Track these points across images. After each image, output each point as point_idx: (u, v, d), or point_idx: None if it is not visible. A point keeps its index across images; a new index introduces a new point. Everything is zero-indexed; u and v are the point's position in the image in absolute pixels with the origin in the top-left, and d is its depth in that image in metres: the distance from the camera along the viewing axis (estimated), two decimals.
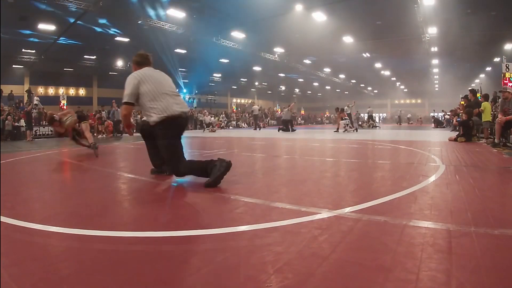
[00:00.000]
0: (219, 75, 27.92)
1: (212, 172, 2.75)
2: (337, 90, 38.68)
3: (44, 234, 1.73)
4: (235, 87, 32.78)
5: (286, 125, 15.34)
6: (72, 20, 14.94)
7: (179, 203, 2.43)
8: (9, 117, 13.48)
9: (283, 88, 37.33)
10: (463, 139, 7.52)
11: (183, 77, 25.67)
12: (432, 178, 3.02)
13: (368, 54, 23.17)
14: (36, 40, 16.71)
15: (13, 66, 19.25)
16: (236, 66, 24.23)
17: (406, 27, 16.98)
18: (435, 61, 24.69)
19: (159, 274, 1.26)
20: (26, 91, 19.05)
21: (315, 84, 35.60)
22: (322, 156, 5.54)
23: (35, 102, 16.69)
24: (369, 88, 39.90)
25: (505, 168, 3.78)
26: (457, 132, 8.78)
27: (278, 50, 22.72)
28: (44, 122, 14.49)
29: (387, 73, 30.04)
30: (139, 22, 15.51)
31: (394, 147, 6.65)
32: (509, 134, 6.68)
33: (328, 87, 37.64)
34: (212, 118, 21.12)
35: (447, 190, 2.55)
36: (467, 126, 7.77)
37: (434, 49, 20.96)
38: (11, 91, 18.60)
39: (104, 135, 14.64)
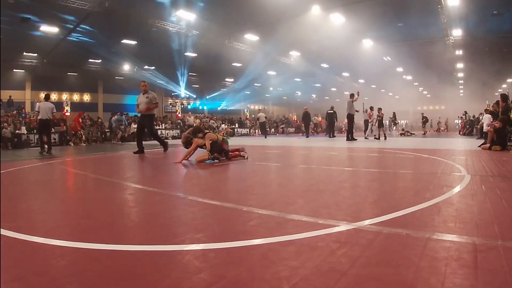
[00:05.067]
0: (231, 79, 27.47)
1: None
2: None
3: (47, 248, 1.69)
4: (248, 92, 31.93)
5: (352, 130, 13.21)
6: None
7: (189, 215, 2.36)
8: (5, 124, 12.98)
9: (299, 93, 37.04)
10: (498, 147, 7.18)
11: (193, 82, 25.69)
12: (457, 189, 2.91)
13: (389, 58, 22.74)
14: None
15: (14, 70, 18.74)
16: (249, 70, 23.56)
17: (429, 29, 16.53)
18: (459, 65, 23.91)
19: None
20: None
21: (333, 89, 35.21)
22: (340, 165, 5.47)
23: (36, 109, 15.74)
24: (390, 94, 39.08)
25: None
26: (483, 140, 8.39)
27: (294, 53, 22.41)
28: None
29: (409, 77, 29.34)
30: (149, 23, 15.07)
31: (417, 155, 6.47)
32: None
33: (346, 93, 37.15)
34: (224, 125, 21.15)
35: (472, 202, 2.46)
36: (502, 134, 7.42)
37: (459, 52, 20.31)
38: (10, 96, 18.16)
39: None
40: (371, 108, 15.02)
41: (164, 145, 8.11)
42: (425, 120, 21.76)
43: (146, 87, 7.46)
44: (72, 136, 14.69)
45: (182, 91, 25.55)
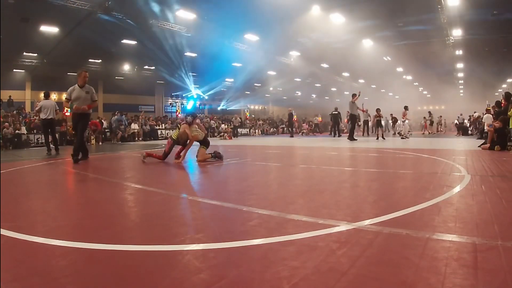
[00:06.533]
0: (232, 79, 27.42)
1: None
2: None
3: (47, 248, 1.69)
4: (248, 92, 31.86)
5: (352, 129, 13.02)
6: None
7: (189, 215, 2.38)
8: (6, 124, 12.85)
9: (299, 93, 37.01)
10: (499, 147, 7.17)
11: (193, 81, 25.68)
12: (457, 189, 2.91)
13: (389, 58, 22.75)
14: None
15: (14, 70, 18.76)
16: (249, 70, 23.49)
17: (429, 29, 16.54)
18: (459, 65, 23.91)
19: None
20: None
21: (333, 89, 35.18)
22: (340, 165, 5.47)
23: (38, 107, 15.06)
24: (390, 94, 39.06)
25: None
26: (483, 140, 8.37)
27: (294, 53, 22.42)
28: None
29: (409, 77, 29.34)
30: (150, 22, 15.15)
31: (417, 156, 6.47)
32: None
33: (346, 93, 37.18)
34: (223, 125, 21.13)
35: (472, 202, 2.46)
36: (502, 134, 7.40)
37: (459, 52, 20.32)
38: (10, 96, 18.15)
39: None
40: (406, 108, 14.84)
41: (85, 154, 6.65)
42: (394, 120, 20.96)
43: (87, 79, 6.25)
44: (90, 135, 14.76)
45: (194, 92, 25.59)
